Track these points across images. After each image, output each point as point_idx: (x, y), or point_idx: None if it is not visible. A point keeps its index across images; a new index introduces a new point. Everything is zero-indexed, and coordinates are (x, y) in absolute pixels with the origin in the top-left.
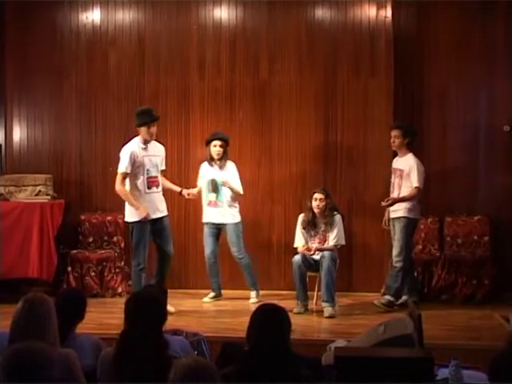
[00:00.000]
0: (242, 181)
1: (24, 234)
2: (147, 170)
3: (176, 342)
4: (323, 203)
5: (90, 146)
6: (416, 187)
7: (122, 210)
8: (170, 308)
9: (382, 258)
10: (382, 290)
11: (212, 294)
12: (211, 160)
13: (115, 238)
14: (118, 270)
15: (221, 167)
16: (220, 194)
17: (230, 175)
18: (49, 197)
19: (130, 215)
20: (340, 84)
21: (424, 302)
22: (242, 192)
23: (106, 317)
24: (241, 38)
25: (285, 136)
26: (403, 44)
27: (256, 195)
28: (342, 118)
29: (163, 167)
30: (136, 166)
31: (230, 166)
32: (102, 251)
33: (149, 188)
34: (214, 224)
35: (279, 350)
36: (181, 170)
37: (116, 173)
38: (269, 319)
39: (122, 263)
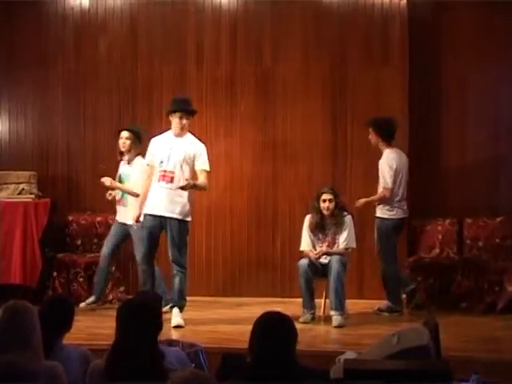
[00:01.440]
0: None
1: (6, 235)
2: (161, 161)
3: (172, 354)
4: (332, 204)
5: (79, 141)
6: (384, 188)
7: (114, 210)
8: (179, 321)
9: None
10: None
11: (90, 299)
12: (120, 154)
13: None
14: (108, 276)
15: (129, 162)
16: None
17: (134, 172)
18: (33, 195)
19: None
20: (350, 72)
21: (442, 311)
22: (137, 192)
23: (95, 326)
24: (242, 23)
25: (290, 130)
26: (419, 28)
27: (258, 194)
28: (351, 109)
29: (200, 166)
30: (155, 158)
31: (138, 161)
32: (92, 255)
33: (158, 181)
34: (119, 223)
35: (284, 362)
36: None
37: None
38: (273, 328)
39: (113, 268)
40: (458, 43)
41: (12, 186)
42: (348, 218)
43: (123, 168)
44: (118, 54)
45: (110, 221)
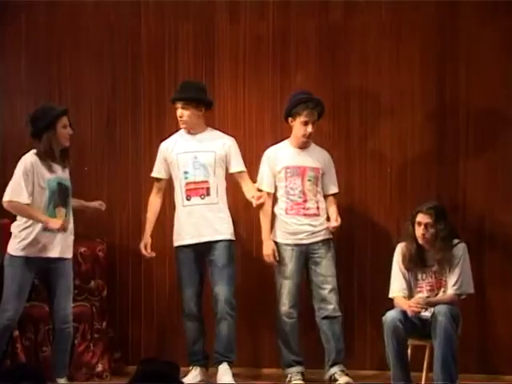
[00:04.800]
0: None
1: None
2: (184, 172)
3: None
4: (432, 230)
5: None
6: None
7: (106, 234)
8: (230, 380)
9: None
10: None
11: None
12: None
13: (93, 283)
14: (96, 336)
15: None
16: (69, 208)
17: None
18: None
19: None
20: (463, 27)
21: None
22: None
23: None
24: None
25: (371, 113)
26: None
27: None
28: (466, 80)
29: (235, 168)
30: (172, 166)
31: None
32: (72, 305)
33: (187, 199)
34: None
35: None
36: None
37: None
38: None
39: (104, 324)
40: None
41: None
42: (460, 249)
43: (59, 173)
44: (111, 1)
45: (100, 253)
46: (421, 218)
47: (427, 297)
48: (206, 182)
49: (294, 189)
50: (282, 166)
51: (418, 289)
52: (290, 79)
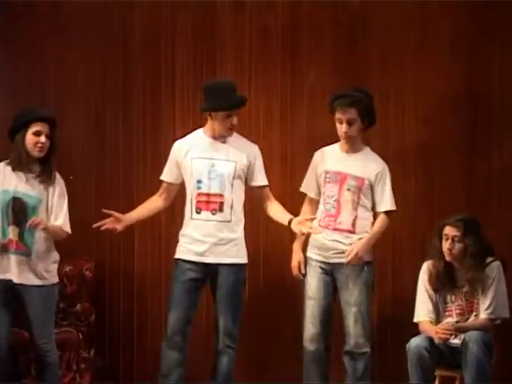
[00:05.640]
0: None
1: None
2: (198, 181)
3: None
4: (460, 245)
5: None
6: None
7: (94, 251)
8: None
9: None
10: None
11: None
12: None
13: (79, 306)
14: (83, 366)
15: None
16: (28, 228)
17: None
18: None
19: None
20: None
21: None
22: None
23: None
24: None
25: (393, 115)
26: None
27: None
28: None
29: (258, 182)
30: (184, 172)
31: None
32: (56, 330)
33: (197, 212)
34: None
35: None
36: None
37: None
38: None
39: (92, 352)
40: None
41: None
42: (493, 268)
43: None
44: None
45: (87, 272)
46: (448, 230)
47: (457, 322)
48: (221, 195)
49: (330, 197)
50: (323, 169)
51: (447, 313)
52: (301, 76)
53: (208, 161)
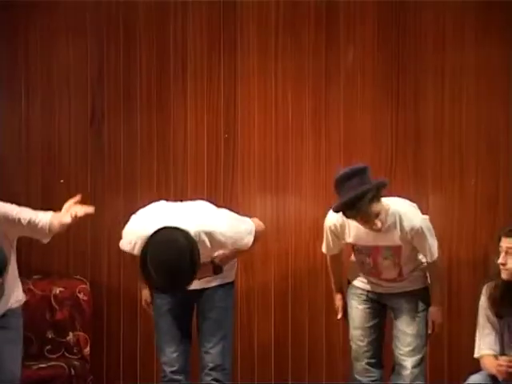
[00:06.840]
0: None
1: None
2: None
3: None
4: None
5: (15, 137)
6: None
7: (90, 270)
8: None
9: None
10: None
11: None
12: None
13: (71, 336)
14: None
15: None
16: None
17: None
18: None
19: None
20: None
21: None
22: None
23: None
24: None
25: (448, 105)
26: None
27: None
28: None
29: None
30: None
31: None
32: (42, 365)
33: None
34: None
35: None
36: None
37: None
38: None
39: None
40: None
41: None
42: None
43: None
44: None
45: (81, 295)
46: (503, 242)
47: None
48: None
49: (366, 264)
50: (348, 240)
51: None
52: (338, 56)
53: None
